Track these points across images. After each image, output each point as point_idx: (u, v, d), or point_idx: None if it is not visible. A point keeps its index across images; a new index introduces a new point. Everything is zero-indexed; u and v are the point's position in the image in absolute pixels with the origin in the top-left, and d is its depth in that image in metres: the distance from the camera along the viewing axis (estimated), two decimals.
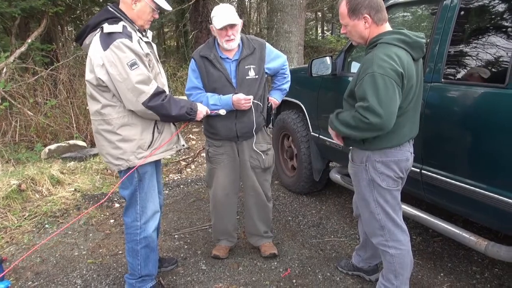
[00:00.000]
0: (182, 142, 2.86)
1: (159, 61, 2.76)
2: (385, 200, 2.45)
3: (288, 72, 3.25)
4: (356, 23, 2.32)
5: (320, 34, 18.02)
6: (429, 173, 2.81)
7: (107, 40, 2.36)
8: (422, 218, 3.00)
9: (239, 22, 2.88)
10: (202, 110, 2.72)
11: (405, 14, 4.50)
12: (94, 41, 2.43)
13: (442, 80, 2.76)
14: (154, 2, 2.53)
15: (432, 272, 3.11)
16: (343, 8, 2.34)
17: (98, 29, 2.43)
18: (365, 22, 2.30)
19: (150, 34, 2.72)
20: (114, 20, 2.44)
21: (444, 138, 2.73)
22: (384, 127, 2.16)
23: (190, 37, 10.43)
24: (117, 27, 2.39)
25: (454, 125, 2.66)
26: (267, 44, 3.10)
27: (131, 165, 2.55)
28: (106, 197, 3.33)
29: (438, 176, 2.75)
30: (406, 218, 3.65)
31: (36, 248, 3.48)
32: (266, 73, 3.10)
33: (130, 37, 2.41)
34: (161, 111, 2.47)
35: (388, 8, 3.40)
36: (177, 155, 6.17)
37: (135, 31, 2.51)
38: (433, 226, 2.93)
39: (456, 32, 2.85)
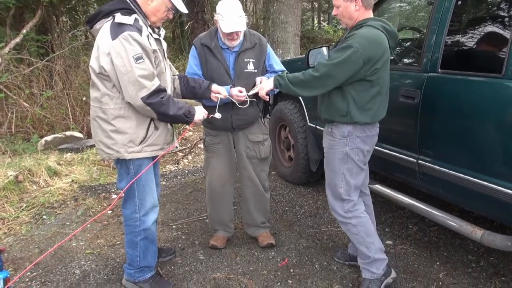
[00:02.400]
0: (176, 144, 2.83)
1: (167, 60, 2.75)
2: (351, 174, 2.69)
3: None
4: (348, 5, 2.55)
5: (317, 25, 17.96)
6: (426, 163, 2.83)
7: (117, 30, 2.35)
8: (419, 208, 3.01)
9: (244, 28, 2.88)
10: (199, 115, 2.68)
11: (402, 4, 4.50)
12: (104, 28, 2.42)
13: (439, 70, 2.76)
14: (171, 2, 2.52)
15: (428, 261, 3.14)
16: None
17: (111, 17, 2.42)
18: (355, 5, 2.54)
19: (162, 32, 2.70)
20: (128, 11, 2.43)
21: (441, 128, 2.74)
22: (323, 84, 2.52)
23: (186, 27, 10.38)
24: (128, 19, 2.38)
25: (451, 115, 2.67)
26: (269, 46, 3.14)
27: (120, 157, 2.55)
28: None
29: (435, 166, 2.76)
30: (402, 207, 3.70)
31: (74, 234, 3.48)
32: (267, 70, 3.11)
33: (140, 31, 2.40)
34: (159, 109, 2.46)
35: None
36: None
37: (146, 26, 2.50)
38: (429, 216, 2.96)
39: (453, 22, 2.85)
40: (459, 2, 2.86)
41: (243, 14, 2.86)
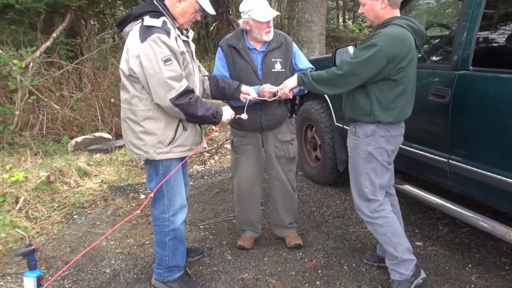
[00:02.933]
0: (204, 144, 2.86)
1: (195, 62, 2.77)
2: (375, 174, 2.66)
3: None
4: (373, 3, 2.54)
5: (342, 23, 17.81)
6: (457, 163, 2.77)
7: (146, 32, 2.39)
8: (449, 208, 2.96)
9: (278, 13, 2.90)
10: (227, 115, 2.71)
11: (430, 1, 4.42)
12: (133, 31, 2.47)
13: (471, 67, 2.70)
14: (199, 4, 2.55)
15: (460, 263, 3.08)
16: None
17: (140, 20, 2.47)
18: (381, 3, 2.52)
19: (191, 34, 2.74)
20: (156, 14, 2.47)
21: (472, 127, 2.68)
22: (342, 83, 2.52)
23: (211, 28, 10.44)
24: (157, 22, 2.42)
25: (483, 113, 2.60)
26: (295, 44, 3.14)
27: (149, 158, 2.59)
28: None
29: (467, 166, 2.70)
30: (432, 208, 3.63)
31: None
32: (294, 69, 3.10)
33: (168, 33, 2.43)
34: (188, 110, 2.48)
35: None
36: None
37: (174, 28, 2.53)
38: (461, 217, 2.90)
39: (485, 18, 2.78)
40: None
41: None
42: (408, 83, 2.54)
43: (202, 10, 2.58)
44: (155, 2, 2.52)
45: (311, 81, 2.64)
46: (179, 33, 2.57)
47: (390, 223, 2.71)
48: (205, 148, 2.90)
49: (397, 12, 2.58)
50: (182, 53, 2.52)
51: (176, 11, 2.54)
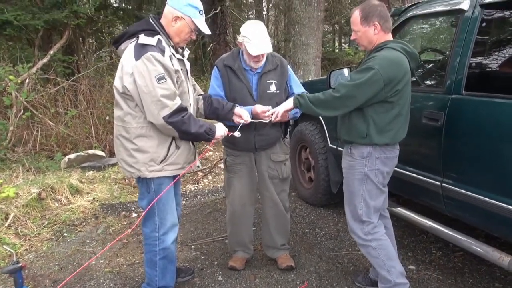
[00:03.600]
0: (198, 163, 2.85)
1: (190, 80, 2.78)
2: (370, 196, 2.66)
3: None
4: (367, 29, 2.59)
5: (338, 47, 18.04)
6: (450, 186, 2.76)
7: (140, 51, 2.41)
8: (443, 232, 2.93)
9: (271, 49, 2.91)
10: (220, 132, 2.70)
11: (424, 26, 4.48)
12: (128, 49, 2.49)
13: (463, 92, 2.72)
14: (194, 24, 2.57)
15: None
16: (356, 16, 2.62)
17: (135, 38, 2.48)
18: (374, 29, 2.57)
19: (187, 52, 2.75)
20: (152, 32, 2.49)
21: (465, 151, 2.69)
22: (342, 105, 2.52)
23: (208, 49, 10.53)
24: (151, 40, 2.43)
25: (476, 137, 2.62)
26: (290, 68, 3.16)
27: (141, 176, 2.57)
28: None
29: (459, 190, 2.69)
30: (426, 232, 3.61)
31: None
32: (289, 91, 3.12)
33: (162, 51, 2.45)
34: (181, 127, 2.48)
35: (407, 20, 3.39)
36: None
37: (169, 46, 2.54)
38: (454, 241, 2.87)
39: (477, 43, 2.82)
40: (484, 24, 2.83)
41: (268, 36, 2.89)
42: (403, 105, 2.57)
43: (197, 29, 2.60)
44: (151, 21, 2.54)
45: (308, 103, 2.64)
46: (174, 52, 2.58)
47: (383, 246, 2.69)
48: (198, 166, 2.88)
49: (389, 36, 2.63)
50: (177, 71, 2.53)
51: (171, 30, 2.56)
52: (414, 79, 3.33)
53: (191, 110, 2.67)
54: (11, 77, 6.18)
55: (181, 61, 2.65)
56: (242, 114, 2.85)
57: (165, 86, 2.40)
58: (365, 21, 2.57)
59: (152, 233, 2.68)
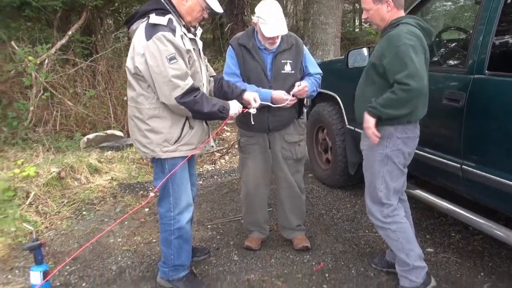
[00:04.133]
0: (212, 143, 2.84)
1: (202, 60, 2.75)
2: (391, 177, 2.61)
3: (319, 82, 3.16)
4: (379, 7, 2.53)
5: (358, 26, 17.70)
6: (470, 169, 2.70)
7: (151, 30, 2.38)
8: (462, 215, 2.88)
9: (286, 30, 2.85)
10: (234, 109, 2.67)
11: (446, 3, 4.35)
12: (139, 29, 2.46)
13: (486, 72, 2.64)
14: (206, 2, 2.53)
15: (472, 271, 3.00)
16: None
17: (146, 18, 2.46)
18: (387, 6, 2.51)
19: (199, 31, 2.71)
20: (162, 11, 2.45)
21: (487, 132, 2.61)
22: (422, 89, 2.34)
23: (225, 29, 10.44)
24: (162, 20, 2.40)
25: (498, 118, 2.54)
26: (305, 48, 3.09)
27: (155, 156, 2.58)
28: None
29: (480, 172, 2.63)
30: (444, 214, 3.56)
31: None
32: (304, 71, 3.07)
33: (174, 31, 2.42)
34: (193, 107, 2.46)
35: None
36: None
37: (180, 26, 2.51)
38: (474, 224, 2.82)
39: (501, 21, 2.72)
40: (508, 1, 2.72)
41: (283, 16, 2.83)
42: None
43: (209, 8, 2.56)
44: (162, 0, 2.50)
45: (386, 111, 2.43)
46: (186, 31, 2.55)
47: (403, 228, 2.65)
48: (212, 147, 2.87)
49: (402, 13, 2.58)
50: (188, 51, 2.50)
51: (183, 9, 2.53)
52: (436, 59, 3.25)
53: (204, 89, 2.64)
54: (30, 58, 6.24)
55: (193, 40, 2.62)
56: (251, 100, 2.78)
57: (176, 66, 2.37)
58: None
59: (167, 213, 2.70)
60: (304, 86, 2.93)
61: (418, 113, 2.54)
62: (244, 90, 2.83)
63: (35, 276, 2.70)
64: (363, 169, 2.77)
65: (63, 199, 4.35)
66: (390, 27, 2.52)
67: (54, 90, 6.66)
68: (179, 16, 2.53)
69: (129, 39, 9.06)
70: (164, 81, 2.37)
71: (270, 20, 2.75)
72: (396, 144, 2.55)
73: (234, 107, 2.67)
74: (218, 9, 2.58)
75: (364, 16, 2.67)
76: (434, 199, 3.11)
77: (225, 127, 6.79)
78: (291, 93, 2.90)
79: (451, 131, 2.89)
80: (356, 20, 18.08)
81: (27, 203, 4.13)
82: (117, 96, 7.02)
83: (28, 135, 6.14)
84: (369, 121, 2.51)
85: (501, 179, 2.49)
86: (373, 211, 2.71)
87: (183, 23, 2.55)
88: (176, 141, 2.57)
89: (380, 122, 2.51)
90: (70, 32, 7.48)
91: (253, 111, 2.78)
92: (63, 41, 7.27)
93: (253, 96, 2.75)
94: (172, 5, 2.52)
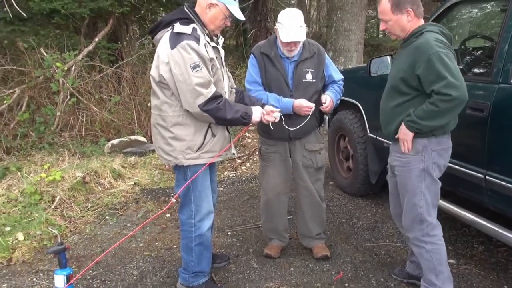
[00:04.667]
0: (233, 150, 2.85)
1: (225, 68, 2.79)
2: (429, 192, 2.51)
3: (342, 88, 3.17)
4: (399, 18, 2.45)
5: (382, 32, 17.54)
6: (495, 180, 2.65)
7: (176, 39, 2.43)
8: (485, 227, 2.83)
9: (304, 38, 2.86)
10: (257, 115, 2.69)
11: (472, 11, 4.28)
12: (164, 38, 2.52)
13: (511, 81, 2.59)
14: (228, 10, 2.58)
15: (495, 284, 2.94)
16: (385, 4, 2.47)
17: (170, 27, 2.51)
18: (408, 16, 2.44)
19: (221, 40, 2.75)
20: (186, 21, 2.51)
21: (511, 143, 2.56)
22: (465, 98, 2.27)
23: (249, 35, 10.50)
24: (186, 29, 2.46)
25: None
26: (327, 56, 3.11)
27: (178, 163, 2.62)
28: None
29: (504, 183, 2.58)
30: (468, 225, 3.50)
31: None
32: (326, 80, 3.08)
33: (197, 39, 2.47)
34: (216, 114, 2.50)
35: (454, 5, 3.25)
36: None
37: (204, 34, 2.56)
38: (497, 236, 2.76)
39: None
40: None
41: (304, 24, 2.84)
42: None
43: (231, 16, 2.60)
44: (186, 10, 2.56)
45: (426, 124, 2.37)
46: (209, 40, 2.59)
47: (438, 250, 2.56)
48: (233, 154, 2.89)
49: (422, 21, 2.50)
50: (212, 59, 2.54)
51: (206, 18, 2.57)
52: (460, 67, 3.20)
53: (226, 97, 2.67)
54: (58, 64, 6.40)
55: (215, 49, 2.66)
56: (269, 114, 2.76)
57: (200, 74, 2.41)
58: (397, 8, 2.44)
59: (188, 220, 2.73)
60: (329, 104, 2.96)
61: (452, 124, 2.48)
62: (264, 105, 2.83)
63: (59, 280, 2.75)
64: (398, 186, 2.66)
65: (87, 204, 4.44)
66: (413, 37, 2.45)
67: (80, 96, 6.81)
68: (202, 25, 2.57)
69: (154, 45, 9.24)
70: (188, 89, 2.42)
71: (288, 25, 2.78)
72: (432, 157, 2.46)
73: (257, 113, 2.70)
74: (241, 16, 2.62)
75: (382, 27, 2.59)
76: (457, 209, 3.05)
77: (246, 133, 6.82)
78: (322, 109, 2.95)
79: (474, 140, 2.84)
80: (379, 26, 17.91)
81: (53, 207, 4.24)
82: (141, 102, 7.13)
83: (55, 140, 6.28)
84: (408, 135, 2.45)
85: None
86: (412, 228, 2.60)
87: (207, 31, 2.60)
88: (198, 149, 2.60)
89: (416, 135, 2.44)
90: (97, 39, 7.65)
91: (276, 116, 2.79)
92: (90, 47, 7.44)
93: (259, 113, 2.71)
94: (196, 14, 2.57)
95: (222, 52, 2.76)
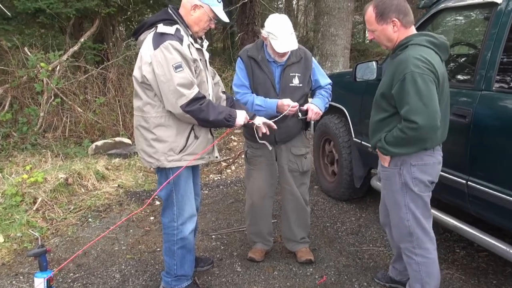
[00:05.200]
0: (216, 154, 2.83)
1: (209, 71, 2.78)
2: (416, 206, 2.43)
3: (330, 93, 3.18)
4: (384, 28, 2.34)
5: (368, 38, 17.70)
6: (476, 185, 2.68)
7: (159, 40, 2.42)
8: (467, 232, 2.86)
9: (297, 46, 2.86)
10: (241, 118, 2.67)
11: (457, 18, 4.35)
12: (147, 39, 2.51)
13: (493, 88, 2.63)
14: (213, 12, 2.57)
15: None
16: (370, 13, 2.36)
17: (154, 28, 2.50)
18: (393, 26, 2.33)
19: (205, 43, 2.75)
20: (170, 22, 2.50)
21: (493, 149, 2.60)
22: (431, 126, 2.17)
23: (236, 39, 10.51)
24: (170, 29, 2.45)
25: (504, 135, 2.53)
26: (314, 59, 3.11)
27: (160, 166, 2.59)
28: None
29: (486, 189, 2.61)
30: (449, 230, 3.53)
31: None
32: (312, 85, 3.09)
33: (181, 40, 2.46)
34: (199, 115, 2.48)
35: (439, 12, 3.29)
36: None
37: (187, 35, 2.55)
38: (479, 241, 2.79)
39: (510, 38, 2.71)
40: None
41: (293, 30, 2.85)
42: (441, 104, 2.29)
43: (216, 17, 2.59)
44: (170, 11, 2.55)
45: (393, 150, 2.35)
46: (193, 41, 2.58)
47: (428, 263, 2.49)
48: (216, 157, 2.88)
49: (411, 31, 2.37)
50: (195, 60, 2.53)
51: (190, 19, 2.56)
52: None
53: (210, 99, 2.66)
54: (42, 64, 6.33)
55: (199, 51, 2.65)
56: (260, 126, 2.78)
57: (182, 75, 2.40)
58: (381, 18, 2.32)
59: (170, 223, 2.71)
60: (312, 115, 2.94)
61: (435, 140, 2.37)
62: (254, 115, 2.80)
63: (39, 283, 2.71)
64: (386, 201, 2.65)
65: (69, 206, 4.39)
66: (399, 49, 2.33)
67: (64, 97, 6.74)
68: (186, 26, 2.56)
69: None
70: (170, 89, 2.40)
71: (281, 36, 2.77)
72: (411, 172, 2.38)
73: (241, 116, 2.68)
74: (225, 18, 2.61)
75: (369, 37, 2.50)
76: (439, 214, 3.08)
77: (232, 136, 6.81)
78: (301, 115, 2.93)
79: (457, 146, 2.87)
80: (366, 32, 18.08)
81: (34, 208, 4.18)
82: (126, 103, 7.10)
83: (38, 141, 6.21)
84: (384, 159, 2.46)
85: (506, 196, 2.47)
86: (402, 241, 2.55)
87: (190, 33, 2.59)
88: (181, 151, 2.59)
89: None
90: (82, 39, 7.59)
91: (258, 122, 2.79)
92: (75, 48, 7.38)
93: (243, 116, 2.69)
94: (180, 16, 2.56)
95: (207, 54, 2.76)
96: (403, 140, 2.26)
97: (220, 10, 2.59)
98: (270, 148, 2.90)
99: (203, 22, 2.58)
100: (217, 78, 2.94)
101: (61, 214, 4.21)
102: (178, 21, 2.53)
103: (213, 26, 2.66)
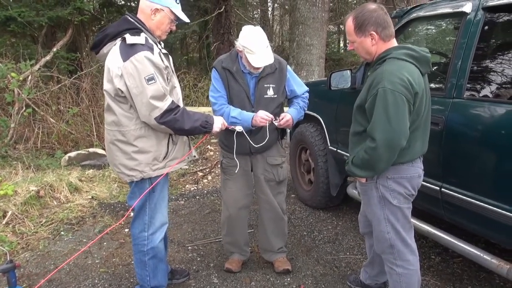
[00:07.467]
0: (194, 153, 2.83)
1: (175, 74, 2.75)
2: (396, 218, 2.40)
3: (307, 101, 3.18)
4: (362, 40, 2.29)
5: (343, 47, 17.96)
6: (449, 192, 2.71)
7: (129, 51, 2.35)
8: (442, 238, 2.89)
9: (273, 59, 2.84)
10: (218, 123, 2.66)
11: (428, 28, 4.43)
12: (113, 51, 2.43)
13: (464, 96, 2.67)
14: (173, 14, 2.53)
15: None
16: (349, 25, 2.32)
17: (118, 39, 2.43)
18: (371, 39, 2.27)
19: (161, 45, 2.71)
20: (136, 31, 2.43)
21: (465, 156, 2.64)
22: (392, 145, 2.13)
23: (212, 48, 10.51)
24: (139, 39, 2.38)
25: (476, 142, 2.57)
26: (289, 68, 3.09)
27: (145, 176, 2.54)
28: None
29: (459, 195, 2.65)
30: (425, 237, 3.56)
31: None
32: (287, 94, 3.08)
33: (152, 49, 2.41)
34: (174, 126, 2.45)
35: (411, 22, 3.35)
36: (194, 165, 6.17)
37: (155, 43, 2.51)
38: (453, 247, 2.83)
39: (479, 47, 2.77)
40: (486, 27, 2.78)
41: (269, 44, 2.84)
42: (419, 117, 2.27)
43: (177, 19, 2.57)
44: (130, 19, 2.47)
45: (360, 173, 2.33)
46: (160, 48, 2.55)
47: (409, 275, 2.45)
48: (194, 156, 2.86)
49: (391, 43, 2.31)
50: (166, 67, 2.51)
51: (152, 24, 2.51)
52: None
53: (181, 103, 2.65)
54: (13, 74, 6.19)
55: (166, 55, 2.61)
56: (218, 123, 2.73)
57: (154, 87, 2.35)
58: (359, 30, 2.28)
59: (141, 233, 2.67)
60: (288, 119, 2.93)
61: (412, 153, 2.32)
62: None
63: None
64: (367, 214, 2.62)
65: (41, 219, 4.27)
66: (377, 63, 2.28)
67: (36, 107, 6.60)
68: (149, 32, 2.51)
69: None
70: (143, 102, 2.36)
71: (257, 51, 2.74)
72: (388, 184, 2.34)
73: (218, 122, 2.67)
74: (185, 18, 2.59)
75: (349, 48, 2.46)
76: (414, 221, 3.10)
77: (209, 146, 6.77)
78: (276, 123, 2.91)
79: (430, 153, 2.89)
80: (341, 41, 18.36)
81: (4, 222, 4.05)
82: (100, 113, 6.98)
83: (8, 152, 6.05)
84: (359, 179, 2.45)
85: (479, 202, 2.50)
86: (383, 252, 2.51)
87: (158, 40, 2.55)
88: (164, 158, 2.57)
89: None
90: (55, 49, 7.47)
91: (239, 129, 2.80)
92: (48, 57, 7.25)
93: (221, 121, 2.69)
94: (141, 22, 2.49)
95: (171, 58, 2.71)
96: (367, 162, 2.23)
97: (180, 11, 2.56)
98: (240, 130, 2.81)
99: (165, 25, 2.54)
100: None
101: (32, 228, 4.09)
102: (143, 29, 2.46)
103: (174, 28, 2.63)
